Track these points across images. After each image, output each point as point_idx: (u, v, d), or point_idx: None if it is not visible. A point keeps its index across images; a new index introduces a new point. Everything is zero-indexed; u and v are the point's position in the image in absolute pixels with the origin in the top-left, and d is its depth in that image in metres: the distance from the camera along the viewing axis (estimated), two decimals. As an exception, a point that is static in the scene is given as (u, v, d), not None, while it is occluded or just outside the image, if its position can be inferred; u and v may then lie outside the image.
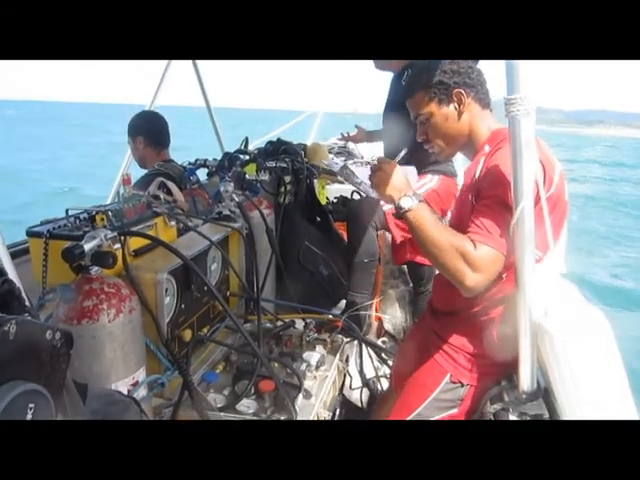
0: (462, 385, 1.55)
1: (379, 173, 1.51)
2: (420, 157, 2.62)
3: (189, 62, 3.54)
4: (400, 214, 1.45)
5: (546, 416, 1.26)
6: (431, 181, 2.64)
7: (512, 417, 1.29)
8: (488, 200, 1.39)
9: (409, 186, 1.49)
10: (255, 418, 1.39)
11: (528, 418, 1.27)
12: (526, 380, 1.27)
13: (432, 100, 1.59)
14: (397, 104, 2.83)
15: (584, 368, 1.16)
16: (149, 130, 2.78)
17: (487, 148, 1.54)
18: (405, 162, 1.64)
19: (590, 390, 1.16)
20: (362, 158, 4.17)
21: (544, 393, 1.30)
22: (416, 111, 1.64)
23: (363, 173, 1.82)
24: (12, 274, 0.79)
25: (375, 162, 1.56)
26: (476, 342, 1.55)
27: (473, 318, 1.55)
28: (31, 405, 0.63)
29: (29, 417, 0.63)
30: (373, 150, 4.46)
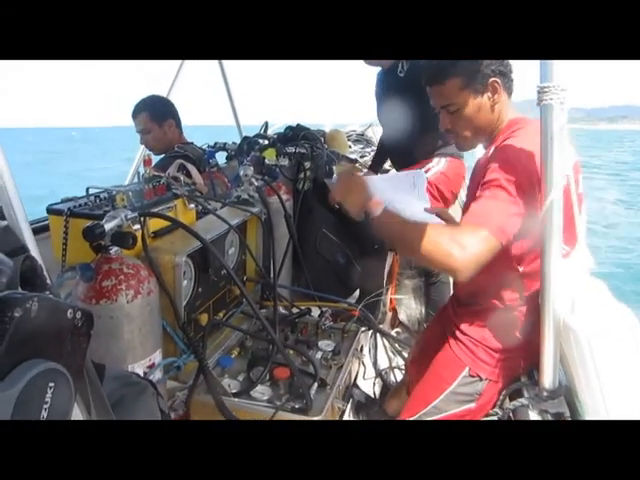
0: (481, 379, 1.53)
1: (341, 184, 1.47)
2: (426, 142, 2.63)
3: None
4: (371, 219, 1.40)
5: (567, 415, 1.24)
6: (438, 164, 2.65)
7: (532, 414, 1.27)
8: (488, 184, 1.35)
9: (369, 192, 1.44)
10: (269, 405, 1.38)
11: (549, 416, 1.25)
12: (548, 377, 1.25)
13: (466, 89, 1.50)
14: (392, 96, 2.83)
15: (610, 367, 1.13)
16: (176, 112, 2.74)
17: (501, 139, 1.49)
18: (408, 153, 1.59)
19: (616, 389, 1.13)
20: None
21: (566, 391, 1.27)
22: (446, 100, 1.54)
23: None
24: (34, 251, 0.78)
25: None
26: (496, 336, 1.52)
27: (494, 311, 1.52)
28: (51, 384, 0.62)
29: (49, 396, 0.62)
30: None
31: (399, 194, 1.84)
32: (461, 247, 1.25)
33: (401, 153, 2.82)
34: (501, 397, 1.46)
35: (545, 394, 1.26)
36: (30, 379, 0.59)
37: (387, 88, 2.86)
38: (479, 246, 1.26)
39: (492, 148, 1.50)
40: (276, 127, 3.43)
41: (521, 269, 1.45)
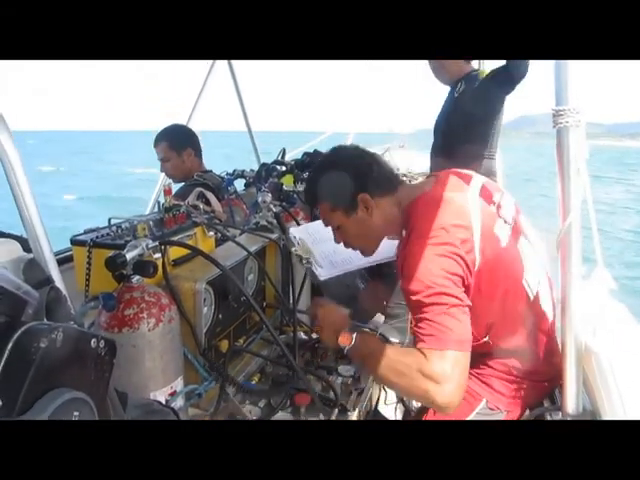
0: (500, 411, 1.50)
1: (316, 322, 1.51)
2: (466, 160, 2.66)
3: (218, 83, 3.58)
4: (346, 353, 1.42)
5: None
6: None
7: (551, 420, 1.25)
8: (413, 303, 1.31)
9: (344, 324, 1.46)
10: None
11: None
12: (571, 402, 1.23)
13: (337, 211, 1.54)
14: (445, 111, 2.89)
15: (634, 389, 1.12)
16: (196, 141, 2.80)
17: (404, 232, 1.48)
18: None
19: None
20: (398, 170, 4.16)
21: (589, 416, 1.25)
22: (325, 221, 1.60)
23: (319, 237, 1.83)
24: (58, 282, 0.80)
25: None
26: (506, 371, 1.49)
27: (491, 358, 1.51)
28: (76, 413, 0.63)
29: (74, 425, 0.63)
30: (409, 162, 4.46)
31: None
32: (435, 381, 1.21)
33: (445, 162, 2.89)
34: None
35: (569, 419, 1.24)
36: (55, 408, 0.60)
37: (445, 103, 3.01)
38: (455, 371, 1.22)
39: (400, 244, 1.50)
40: (293, 153, 3.47)
41: (487, 339, 1.45)
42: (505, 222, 1.46)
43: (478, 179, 1.56)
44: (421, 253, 1.30)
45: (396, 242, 1.61)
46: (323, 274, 1.89)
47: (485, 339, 1.44)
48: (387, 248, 1.70)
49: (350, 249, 1.68)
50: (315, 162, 2.84)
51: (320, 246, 1.95)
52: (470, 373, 1.53)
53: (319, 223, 1.83)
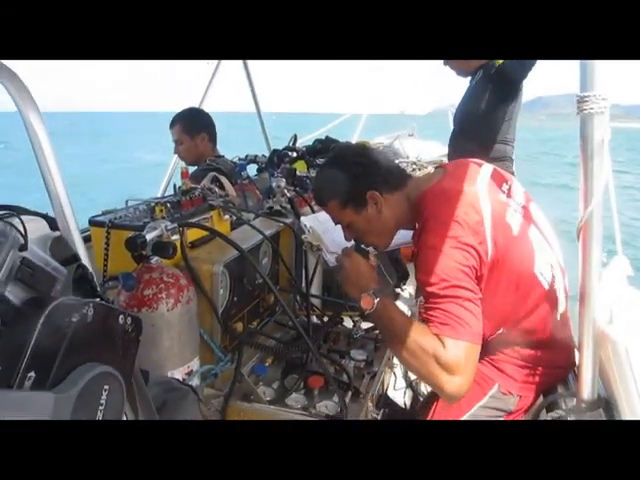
0: (512, 395, 1.50)
1: (342, 272, 1.48)
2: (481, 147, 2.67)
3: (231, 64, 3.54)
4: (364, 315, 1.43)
5: (607, 426, 1.22)
6: None
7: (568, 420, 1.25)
8: (428, 294, 1.31)
9: (370, 281, 1.43)
10: (303, 413, 1.39)
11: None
12: (586, 389, 1.23)
13: (347, 208, 1.53)
14: (467, 109, 2.88)
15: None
16: (211, 126, 2.80)
17: (417, 225, 1.47)
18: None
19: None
20: (407, 158, 4.14)
21: (605, 404, 1.25)
22: (335, 219, 1.60)
23: (329, 226, 1.85)
24: (84, 260, 0.81)
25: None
26: (519, 358, 1.50)
27: (505, 345, 1.51)
28: (106, 387, 0.64)
29: (103, 398, 0.64)
30: (419, 150, 4.44)
31: None
32: (448, 371, 1.22)
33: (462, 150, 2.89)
34: (538, 408, 1.44)
35: (584, 406, 1.24)
36: (87, 382, 0.61)
37: (465, 93, 2.98)
38: (468, 365, 1.24)
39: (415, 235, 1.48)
40: (304, 139, 3.46)
41: (501, 331, 1.46)
42: (515, 210, 1.46)
43: (487, 168, 1.56)
44: (434, 246, 1.31)
45: (408, 232, 1.62)
46: (333, 261, 1.91)
47: (500, 331, 1.45)
48: (400, 234, 1.71)
49: None
50: (327, 148, 2.85)
51: (330, 234, 1.96)
52: (482, 358, 1.54)
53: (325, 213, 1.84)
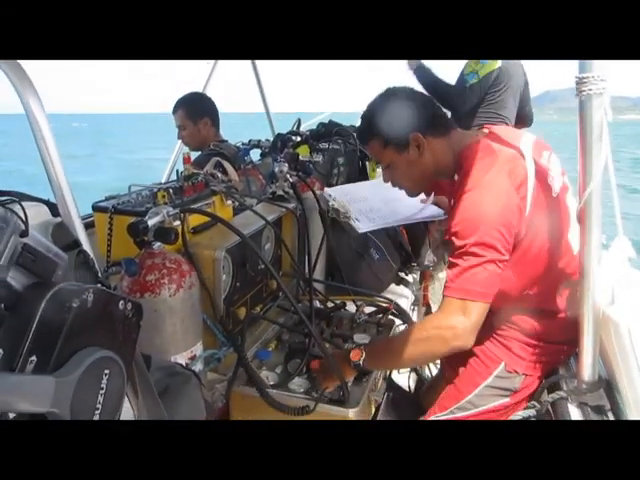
0: (518, 374, 1.52)
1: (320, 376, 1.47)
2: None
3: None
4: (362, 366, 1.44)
5: (607, 408, 1.23)
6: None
7: (571, 407, 1.26)
8: (459, 252, 1.35)
9: (345, 359, 1.45)
10: (306, 397, 1.40)
11: (588, 409, 1.24)
12: (587, 369, 1.24)
13: (388, 148, 1.52)
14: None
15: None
16: (214, 111, 2.80)
17: (456, 177, 1.49)
18: None
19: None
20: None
21: (605, 385, 1.26)
22: (375, 158, 1.62)
23: (357, 197, 1.87)
24: (86, 245, 0.82)
25: None
26: (529, 331, 1.51)
27: (522, 314, 1.52)
28: (106, 371, 0.65)
29: (104, 382, 0.65)
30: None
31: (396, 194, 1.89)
32: (450, 328, 1.30)
33: None
34: (539, 390, 1.45)
35: (584, 387, 1.25)
36: (88, 366, 0.62)
37: None
38: (469, 318, 1.30)
39: (455, 182, 1.49)
40: (308, 124, 3.44)
41: (530, 292, 1.48)
42: (554, 178, 1.47)
43: (529, 135, 1.57)
44: (473, 198, 1.33)
45: (432, 206, 1.63)
46: (362, 227, 1.92)
47: (525, 292, 1.47)
48: (430, 209, 1.74)
49: (387, 207, 1.68)
50: (330, 132, 2.84)
51: (356, 204, 1.97)
52: (491, 334, 1.56)
53: (353, 185, 1.84)
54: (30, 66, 0.83)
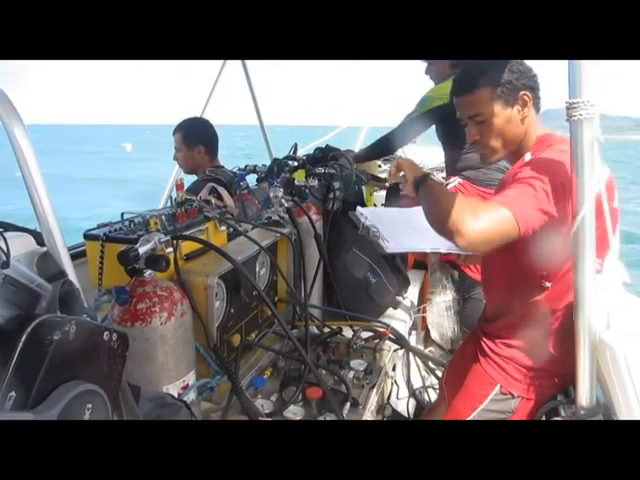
0: (513, 397, 1.51)
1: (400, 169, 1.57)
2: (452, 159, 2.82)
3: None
4: (418, 185, 1.47)
5: (606, 434, 1.21)
6: (452, 182, 2.74)
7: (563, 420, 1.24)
8: (519, 180, 1.34)
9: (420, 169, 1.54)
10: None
11: (587, 435, 1.22)
12: (585, 395, 1.22)
13: (497, 100, 1.49)
14: None
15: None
16: (209, 139, 2.82)
17: (528, 156, 1.48)
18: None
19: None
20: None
21: (603, 409, 1.24)
22: (474, 110, 1.52)
23: (387, 219, 1.90)
24: (72, 275, 0.81)
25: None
26: (527, 353, 1.50)
27: (522, 328, 1.50)
28: (89, 405, 0.64)
29: (86, 417, 0.64)
30: (422, 156, 4.45)
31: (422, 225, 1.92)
32: (475, 217, 1.24)
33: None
34: (537, 415, 1.43)
35: (582, 412, 1.23)
36: (69, 401, 0.60)
37: None
38: (494, 222, 1.26)
39: (520, 165, 1.48)
40: (305, 149, 3.46)
41: (548, 284, 1.44)
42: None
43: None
44: (530, 182, 1.31)
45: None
46: (390, 247, 1.93)
47: (547, 284, 1.44)
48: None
49: (416, 233, 1.74)
50: (326, 156, 2.85)
51: (386, 226, 1.99)
52: (488, 354, 1.54)
53: (384, 209, 1.86)
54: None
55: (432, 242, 2.01)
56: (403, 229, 1.83)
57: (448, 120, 2.05)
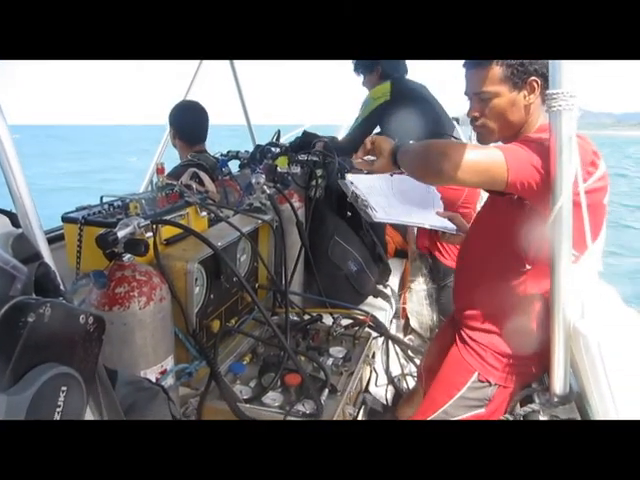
0: (490, 384, 1.53)
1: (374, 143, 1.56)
2: None
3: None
4: (395, 152, 1.49)
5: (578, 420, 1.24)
6: None
7: (542, 420, 1.27)
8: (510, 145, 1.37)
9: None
10: (280, 411, 1.39)
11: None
12: (558, 383, 1.24)
13: (506, 80, 1.47)
14: None
15: (620, 371, 1.13)
16: (181, 124, 2.78)
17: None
18: None
19: (626, 394, 1.13)
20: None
21: (577, 397, 1.27)
22: (482, 86, 1.50)
23: (376, 191, 1.90)
24: (48, 258, 0.80)
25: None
26: (505, 341, 1.52)
27: (500, 315, 1.52)
28: (63, 388, 0.63)
29: (61, 399, 0.63)
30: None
31: (415, 197, 1.92)
32: (465, 147, 1.28)
33: None
34: (512, 403, 1.46)
35: (556, 400, 1.26)
36: (43, 383, 0.60)
37: None
38: (483, 155, 1.29)
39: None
40: (288, 135, 3.44)
41: (529, 267, 1.45)
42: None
43: None
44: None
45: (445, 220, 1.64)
46: (378, 217, 1.94)
47: (527, 267, 1.45)
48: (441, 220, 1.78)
49: (403, 207, 1.74)
50: (309, 143, 2.85)
51: (374, 197, 1.99)
52: (467, 341, 1.57)
53: (372, 177, 1.88)
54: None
55: (418, 217, 2.03)
56: (392, 202, 1.85)
57: (392, 118, 2.10)
